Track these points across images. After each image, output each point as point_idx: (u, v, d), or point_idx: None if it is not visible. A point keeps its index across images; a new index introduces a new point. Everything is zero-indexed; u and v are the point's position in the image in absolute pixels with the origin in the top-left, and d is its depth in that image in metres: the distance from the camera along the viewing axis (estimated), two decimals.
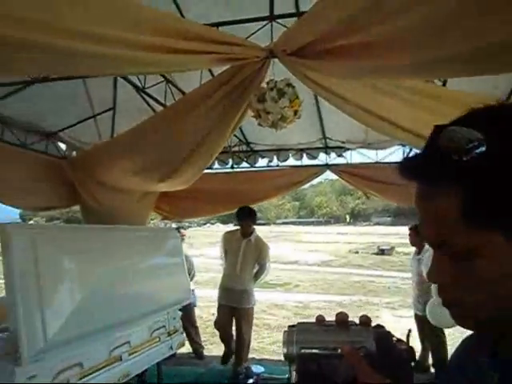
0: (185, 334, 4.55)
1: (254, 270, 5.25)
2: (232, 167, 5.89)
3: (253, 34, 2.71)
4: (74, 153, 5.49)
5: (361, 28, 1.88)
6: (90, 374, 2.92)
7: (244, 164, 5.90)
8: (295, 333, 0.72)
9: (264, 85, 2.82)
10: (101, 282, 2.98)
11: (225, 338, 5.42)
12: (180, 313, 4.20)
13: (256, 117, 2.98)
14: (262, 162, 5.94)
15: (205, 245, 27.90)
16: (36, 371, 2.46)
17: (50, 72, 2.84)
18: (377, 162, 5.48)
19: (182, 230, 5.75)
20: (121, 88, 4.57)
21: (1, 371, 2.32)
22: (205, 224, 54.90)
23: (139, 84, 3.47)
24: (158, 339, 3.79)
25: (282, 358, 0.74)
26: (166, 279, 3.78)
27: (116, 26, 1.87)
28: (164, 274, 3.79)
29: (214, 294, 11.13)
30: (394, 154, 5.35)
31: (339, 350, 0.63)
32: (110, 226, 3.71)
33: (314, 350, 0.69)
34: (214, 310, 9.56)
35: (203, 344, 6.31)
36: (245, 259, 5.09)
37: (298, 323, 0.76)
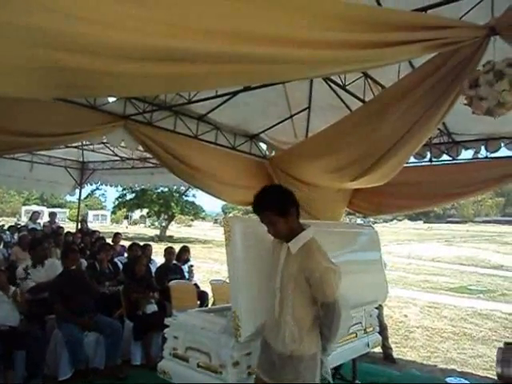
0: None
1: None
2: (430, 160, 5.46)
3: (467, 12, 2.44)
4: (274, 152, 5.93)
5: None
6: None
7: (444, 157, 5.40)
8: None
9: (479, 67, 2.51)
10: None
11: None
12: (377, 311, 4.12)
13: (468, 104, 2.68)
14: (465, 154, 5.34)
15: (391, 242, 26.76)
16: (250, 349, 2.75)
17: (254, 82, 3.07)
18: None
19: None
20: (316, 87, 4.73)
21: (225, 344, 2.67)
22: (391, 220, 52.64)
23: (340, 82, 3.52)
24: (354, 335, 3.79)
25: (490, 374, 0.62)
26: (363, 276, 3.74)
27: (311, 26, 1.87)
28: (362, 271, 3.75)
29: (403, 293, 10.69)
30: None
31: None
32: (312, 221, 3.87)
33: None
34: (405, 311, 9.21)
35: (393, 346, 6.05)
36: None
37: None
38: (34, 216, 11.36)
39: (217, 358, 2.76)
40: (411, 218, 52.17)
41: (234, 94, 4.41)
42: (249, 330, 2.62)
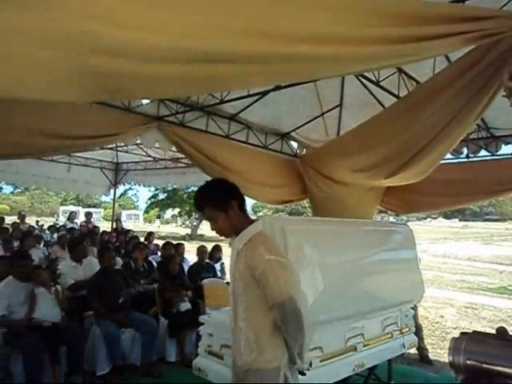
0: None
1: None
2: (467, 157, 5.28)
3: (508, 2, 2.35)
4: (304, 150, 5.90)
5: None
6: (329, 358, 3.09)
7: (482, 152, 5.21)
8: (464, 341, 0.58)
9: None
10: (339, 272, 3.11)
11: None
12: (413, 311, 4.03)
13: (508, 96, 2.58)
14: (505, 149, 5.15)
15: (425, 241, 26.09)
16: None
17: (289, 80, 3.05)
18: None
19: None
20: (348, 84, 4.67)
21: None
22: (425, 218, 51.33)
23: (373, 78, 3.46)
24: (390, 335, 3.72)
25: None
26: (399, 275, 3.67)
27: (348, 23, 1.84)
28: (397, 270, 3.69)
29: (439, 293, 10.40)
30: None
31: None
32: (346, 220, 3.84)
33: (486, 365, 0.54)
34: (442, 311, 8.96)
35: (429, 348, 5.90)
36: None
37: (473, 331, 0.61)
38: (72, 216, 11.75)
39: None
40: (446, 216, 50.66)
41: (265, 93, 4.42)
42: None
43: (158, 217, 36.86)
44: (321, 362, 3.01)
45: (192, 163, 6.13)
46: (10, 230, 8.70)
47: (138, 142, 5.50)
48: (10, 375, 3.75)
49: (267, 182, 5.44)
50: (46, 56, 1.71)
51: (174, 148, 5.10)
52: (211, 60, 1.84)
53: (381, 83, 3.53)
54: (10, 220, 12.07)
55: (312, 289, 2.91)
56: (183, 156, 7.86)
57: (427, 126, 3.20)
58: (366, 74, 3.48)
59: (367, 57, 2.08)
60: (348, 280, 3.24)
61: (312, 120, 5.24)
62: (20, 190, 33.40)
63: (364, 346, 3.39)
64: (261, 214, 45.50)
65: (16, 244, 7.23)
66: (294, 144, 5.94)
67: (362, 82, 4.07)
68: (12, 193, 35.12)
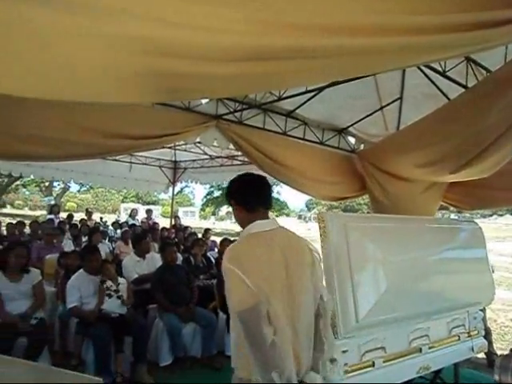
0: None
1: None
2: None
3: None
4: (362, 146, 5.76)
5: None
6: (393, 359, 3.00)
7: None
8: None
9: None
10: (402, 271, 3.01)
11: None
12: (482, 314, 3.82)
13: None
14: None
15: (491, 239, 24.59)
16: (348, 347, 2.71)
17: (348, 75, 2.97)
18: None
19: None
20: (409, 76, 4.49)
21: None
22: (491, 215, 48.31)
23: (439, 68, 3.30)
24: (457, 338, 3.55)
25: None
26: (467, 275, 3.49)
27: (409, 11, 1.75)
28: (465, 270, 3.51)
29: (508, 295, 9.77)
30: None
31: None
32: (409, 217, 3.71)
33: None
34: (511, 315, 8.42)
35: (499, 353, 5.56)
36: None
37: None
38: (133, 213, 12.29)
39: None
40: None
41: (321, 89, 4.36)
42: (347, 328, 2.59)
43: (213, 214, 37.63)
44: (384, 362, 2.94)
45: (248, 160, 6.19)
46: (79, 226, 9.26)
47: (198, 140, 5.62)
48: (82, 362, 4.01)
49: (324, 179, 5.37)
50: (109, 59, 1.78)
51: (230, 146, 5.16)
52: (271, 57, 1.83)
53: (447, 73, 3.35)
54: (77, 217, 12.82)
55: (374, 288, 2.85)
56: (239, 153, 7.99)
57: (497, 119, 3.00)
58: (431, 64, 3.32)
59: (429, 46, 1.98)
60: (412, 279, 3.13)
61: (371, 114, 5.10)
62: (85, 189, 35.41)
63: (429, 347, 3.27)
64: (315, 210, 45.15)
65: (84, 239, 7.69)
66: (352, 139, 5.81)
67: (424, 73, 3.90)
68: (78, 191, 37.39)
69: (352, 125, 5.49)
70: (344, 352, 2.72)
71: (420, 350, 3.19)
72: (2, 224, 10.54)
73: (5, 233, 8.47)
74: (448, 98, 4.04)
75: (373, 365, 2.86)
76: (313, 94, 4.52)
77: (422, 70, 3.83)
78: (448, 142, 3.61)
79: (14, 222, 9.23)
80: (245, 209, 1.93)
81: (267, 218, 1.91)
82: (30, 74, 1.93)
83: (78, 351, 4.06)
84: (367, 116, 5.16)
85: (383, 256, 2.93)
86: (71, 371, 1.23)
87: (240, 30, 1.67)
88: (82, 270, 4.31)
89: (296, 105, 4.97)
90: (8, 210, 31.00)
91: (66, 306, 4.22)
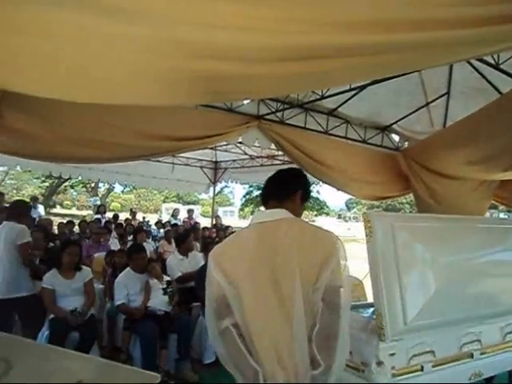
0: None
1: None
2: None
3: None
4: (406, 143, 5.61)
5: None
6: (442, 364, 2.91)
7: None
8: None
9: None
10: (452, 273, 2.91)
11: None
12: None
13: None
14: None
15: None
16: (395, 350, 2.64)
17: (395, 72, 2.88)
18: None
19: None
20: (456, 70, 4.33)
21: (368, 343, 2.61)
22: None
23: (491, 61, 3.15)
24: (511, 344, 3.39)
25: None
26: None
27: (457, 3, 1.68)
28: None
29: None
30: None
31: None
32: (459, 217, 3.57)
33: None
34: None
35: None
36: None
37: None
38: (175, 212, 12.56)
39: (358, 355, 2.72)
40: None
41: (364, 86, 4.28)
42: (394, 331, 2.53)
43: (253, 213, 37.82)
44: (433, 367, 2.85)
45: (289, 160, 6.18)
46: (124, 225, 9.56)
47: (239, 140, 5.67)
48: (130, 357, 4.13)
49: (366, 178, 5.28)
50: (154, 64, 1.83)
51: (271, 146, 5.17)
52: (315, 56, 1.82)
53: (500, 66, 3.20)
54: (121, 216, 13.24)
55: (423, 290, 2.77)
56: (279, 153, 7.99)
57: None
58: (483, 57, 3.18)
59: (481, 39, 1.89)
60: (462, 281, 3.02)
61: (416, 111, 4.95)
62: (129, 189, 36.53)
63: (481, 353, 3.13)
64: (355, 210, 44.40)
65: (129, 238, 7.93)
66: (396, 137, 5.67)
67: (474, 67, 3.74)
68: (122, 192, 38.62)
69: (396, 122, 5.35)
70: (391, 355, 2.66)
71: (471, 356, 3.06)
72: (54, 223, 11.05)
73: (56, 231, 8.87)
74: (500, 92, 3.86)
75: (421, 369, 2.78)
76: (355, 91, 4.45)
77: (471, 64, 3.68)
78: (501, 138, 3.45)
79: (64, 221, 9.64)
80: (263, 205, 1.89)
81: (274, 208, 1.78)
82: (85, 81, 2.02)
83: (126, 346, 4.19)
84: (412, 113, 5.02)
85: (432, 257, 2.84)
86: (129, 366, 1.28)
87: (283, 30, 1.67)
88: (128, 269, 4.45)
89: (338, 103, 4.91)
90: (57, 209, 32.46)
91: (114, 303, 4.37)
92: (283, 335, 1.52)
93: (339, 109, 5.03)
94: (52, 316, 3.89)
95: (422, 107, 4.91)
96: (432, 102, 4.80)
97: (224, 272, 1.59)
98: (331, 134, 5.14)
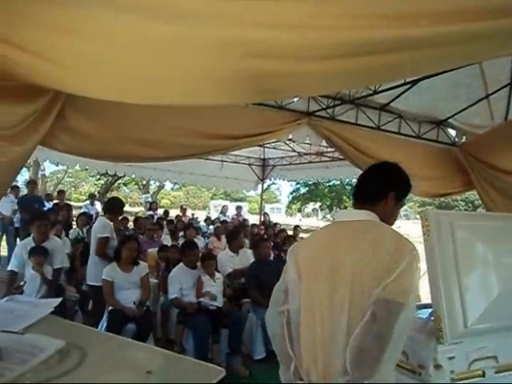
0: None
1: None
2: None
3: None
4: (464, 138, 5.37)
5: None
6: (506, 370, 2.76)
7: None
8: None
9: None
10: None
11: None
12: None
13: None
14: None
15: None
16: (454, 353, 2.54)
17: (459, 64, 2.75)
18: None
19: None
20: None
21: (425, 345, 2.53)
22: None
23: None
24: None
25: None
26: None
27: None
28: None
29: None
30: None
31: None
32: None
33: None
34: None
35: None
36: None
37: None
38: (224, 209, 12.76)
39: (415, 357, 2.64)
40: None
41: (417, 80, 4.12)
42: (454, 333, 2.43)
43: (300, 210, 37.69)
44: (496, 373, 2.71)
45: (337, 157, 6.10)
46: (175, 221, 9.84)
47: (290, 137, 5.66)
48: (183, 350, 4.26)
49: (421, 174, 5.08)
50: (209, 64, 1.86)
51: (322, 142, 5.12)
52: (370, 52, 1.77)
53: None
54: (171, 213, 13.61)
55: (485, 292, 2.64)
56: (328, 150, 7.90)
57: None
58: None
59: None
60: None
61: (475, 103, 4.71)
62: (178, 187, 37.51)
63: None
64: (405, 207, 43.02)
65: (180, 234, 8.14)
66: (452, 132, 5.44)
67: None
68: (172, 189, 39.77)
69: (453, 116, 5.13)
70: (450, 358, 2.55)
71: None
72: None
73: None
74: None
75: (483, 375, 2.65)
76: (409, 85, 4.30)
77: None
78: None
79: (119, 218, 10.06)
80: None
81: (360, 209, 1.66)
82: (142, 82, 2.10)
83: (180, 339, 4.32)
84: (471, 105, 4.78)
85: (495, 258, 2.69)
86: (194, 359, 1.32)
87: (336, 26, 1.65)
88: (181, 264, 4.57)
89: (390, 98, 4.77)
90: None
91: (168, 297, 4.51)
92: (325, 337, 1.48)
93: (392, 103, 4.89)
94: (110, 308, 4.08)
95: (482, 99, 4.66)
96: (493, 93, 4.55)
97: (297, 265, 1.65)
98: (383, 130, 5.01)
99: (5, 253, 7.92)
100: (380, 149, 4.76)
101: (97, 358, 1.17)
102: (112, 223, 4.55)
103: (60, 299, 1.74)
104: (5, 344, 1.19)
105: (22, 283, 4.20)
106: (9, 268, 4.30)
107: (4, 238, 8.28)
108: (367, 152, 4.65)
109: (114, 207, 4.73)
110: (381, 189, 1.66)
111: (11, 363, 1.12)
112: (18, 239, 7.55)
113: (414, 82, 4.24)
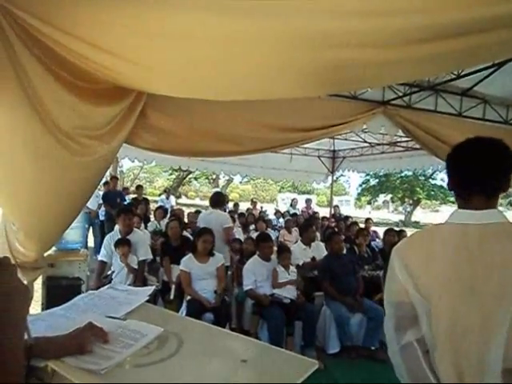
0: None
1: None
2: None
3: None
4: None
5: None
6: None
7: None
8: None
9: None
10: None
11: None
12: None
13: None
14: None
15: None
16: None
17: None
18: None
19: None
20: None
21: None
22: None
23: None
24: None
25: None
26: None
27: None
28: None
29: None
30: None
31: None
32: None
33: None
34: None
35: None
36: None
37: None
38: (294, 202, 12.76)
39: None
40: None
41: (505, 61, 3.79)
42: None
43: (369, 203, 36.63)
44: None
45: (415, 146, 5.82)
46: (246, 214, 10.02)
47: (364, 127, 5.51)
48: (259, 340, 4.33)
49: None
50: (286, 56, 1.84)
51: (398, 132, 4.92)
52: (447, 36, 1.67)
53: None
54: (241, 206, 13.86)
55: None
56: (401, 139, 7.57)
57: None
58: None
59: None
60: None
61: None
62: (246, 180, 38.09)
63: None
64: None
65: (251, 227, 8.27)
66: None
67: None
68: (240, 183, 40.45)
69: None
70: None
71: None
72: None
73: (185, 220, 9.67)
74: None
75: None
76: (495, 67, 3.98)
77: None
78: None
79: (192, 210, 10.47)
80: (455, 195, 1.45)
81: (482, 207, 1.33)
82: (220, 79, 2.14)
83: (255, 330, 4.40)
84: None
85: None
86: (287, 351, 1.34)
87: (412, 10, 1.57)
88: (256, 256, 4.65)
89: (473, 82, 4.45)
90: (183, 200, 35.32)
91: (242, 288, 4.61)
92: (475, 360, 1.25)
93: (475, 88, 4.56)
94: (189, 298, 4.25)
95: None
96: None
97: (410, 272, 1.36)
98: (465, 116, 4.69)
99: (91, 244, 8.55)
100: (463, 137, 4.46)
101: (193, 345, 1.23)
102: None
103: (153, 287, 1.84)
104: (110, 329, 1.28)
105: (109, 272, 4.52)
106: (99, 259, 4.65)
107: (91, 230, 8.94)
108: (448, 141, 4.38)
109: (220, 200, 5.44)
110: (504, 175, 1.37)
111: (117, 347, 1.22)
112: (104, 231, 8.11)
113: (501, 64, 3.91)
